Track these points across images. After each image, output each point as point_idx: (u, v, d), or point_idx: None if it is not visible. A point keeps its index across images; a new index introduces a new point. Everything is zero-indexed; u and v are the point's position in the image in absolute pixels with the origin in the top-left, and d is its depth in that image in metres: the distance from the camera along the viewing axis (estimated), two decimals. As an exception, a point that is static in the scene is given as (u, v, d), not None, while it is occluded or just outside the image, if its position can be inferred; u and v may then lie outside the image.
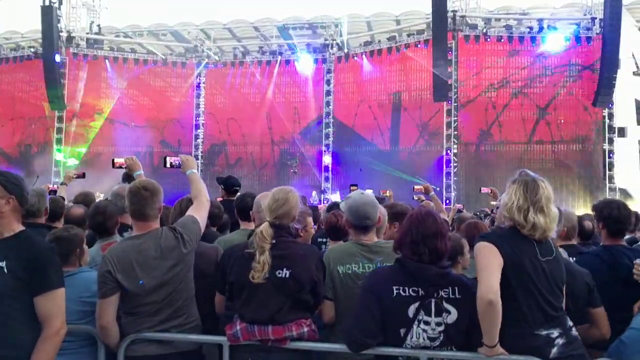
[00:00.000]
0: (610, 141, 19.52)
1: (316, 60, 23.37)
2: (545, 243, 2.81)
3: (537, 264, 2.71)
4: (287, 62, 23.85)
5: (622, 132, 19.61)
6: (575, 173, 19.37)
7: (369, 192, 3.66)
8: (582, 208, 17.02)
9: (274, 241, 3.04)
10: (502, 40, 20.05)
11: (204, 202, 3.58)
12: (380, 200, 4.11)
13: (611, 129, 19.58)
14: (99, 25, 25.00)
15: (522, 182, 2.83)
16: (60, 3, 22.05)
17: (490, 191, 5.90)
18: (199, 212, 3.48)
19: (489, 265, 2.65)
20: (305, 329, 3.03)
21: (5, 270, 2.60)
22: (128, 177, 4.46)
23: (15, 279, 2.61)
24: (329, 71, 23.12)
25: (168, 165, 3.99)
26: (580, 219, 4.54)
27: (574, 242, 4.09)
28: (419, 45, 20.99)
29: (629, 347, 2.66)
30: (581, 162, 19.67)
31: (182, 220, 3.41)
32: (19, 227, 2.79)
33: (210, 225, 4.13)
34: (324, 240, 4.67)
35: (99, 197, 8.61)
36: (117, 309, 3.15)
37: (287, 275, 3.02)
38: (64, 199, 5.71)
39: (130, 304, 3.17)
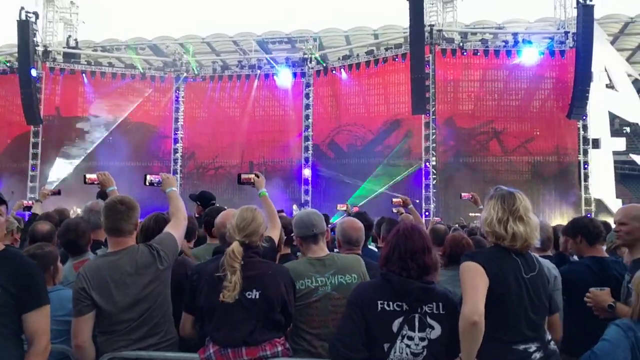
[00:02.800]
0: (585, 152, 19.89)
1: (295, 74, 23.46)
2: (528, 257, 2.84)
3: (521, 283, 2.74)
4: (267, 76, 23.91)
5: (596, 143, 20.01)
6: (551, 184, 19.67)
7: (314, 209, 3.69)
8: (558, 219, 17.25)
9: (242, 262, 3.01)
10: (478, 53, 20.38)
11: (182, 219, 3.54)
12: (359, 214, 4.12)
13: (586, 140, 19.98)
14: (76, 40, 24.84)
15: (499, 196, 2.88)
16: (37, 17, 21.84)
17: (471, 197, 5.92)
18: (176, 230, 3.44)
19: (475, 285, 2.66)
20: (280, 348, 3.01)
21: None
22: (103, 194, 4.39)
23: (6, 296, 2.58)
24: (308, 85, 23.23)
25: (148, 183, 3.97)
26: (555, 229, 4.61)
27: (550, 253, 4.15)
28: (397, 59, 21.21)
29: (600, 358, 2.70)
30: (557, 173, 19.99)
31: (159, 237, 3.35)
32: (2, 244, 2.76)
33: (186, 241, 4.09)
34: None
35: (77, 212, 8.48)
36: (92, 328, 3.08)
37: (257, 297, 2.98)
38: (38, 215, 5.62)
39: (105, 322, 3.09)
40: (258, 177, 4.16)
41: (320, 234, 3.38)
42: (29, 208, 6.71)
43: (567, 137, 20.18)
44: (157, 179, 3.93)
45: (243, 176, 4.26)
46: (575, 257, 4.08)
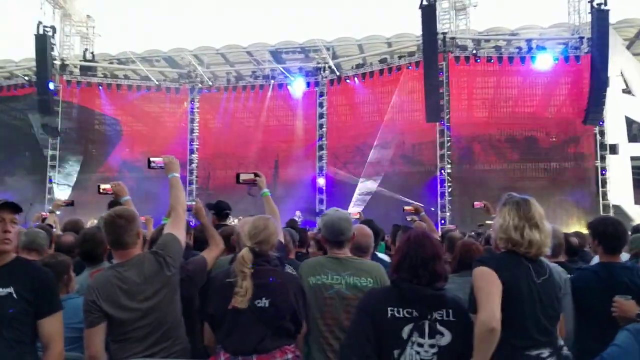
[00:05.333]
0: (603, 158, 19.65)
1: (308, 84, 23.55)
2: (539, 262, 2.83)
3: (533, 287, 2.73)
4: (280, 86, 24.02)
5: (614, 149, 19.76)
6: (568, 191, 19.45)
7: (344, 211, 3.66)
8: (576, 225, 17.05)
9: (252, 269, 3.03)
10: (492, 60, 20.26)
11: (181, 213, 3.52)
12: (367, 222, 4.12)
13: (603, 146, 19.73)
14: (92, 53, 25.19)
15: (514, 203, 2.89)
16: (54, 31, 22.19)
17: (483, 205, 5.89)
18: (177, 227, 3.42)
19: (490, 291, 2.66)
20: (290, 356, 3.02)
21: (15, 295, 2.67)
22: (114, 204, 4.42)
23: (24, 303, 2.68)
24: (321, 94, 23.29)
25: (151, 166, 3.95)
26: (567, 235, 4.57)
27: (562, 259, 4.10)
28: (410, 67, 21.20)
29: None
30: (574, 179, 19.76)
31: (162, 240, 3.35)
32: (14, 254, 2.86)
33: (199, 250, 4.10)
34: None
35: (93, 223, 8.58)
36: (105, 337, 3.11)
37: (267, 305, 3.01)
38: (52, 226, 5.69)
39: (117, 331, 3.12)
40: (259, 176, 4.15)
41: (346, 241, 3.42)
42: (44, 219, 6.81)
43: (583, 143, 19.97)
44: (159, 164, 3.88)
45: (242, 176, 4.21)
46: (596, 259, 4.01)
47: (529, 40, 20.81)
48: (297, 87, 23.61)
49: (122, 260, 3.20)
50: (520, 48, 20.75)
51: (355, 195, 21.01)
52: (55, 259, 3.45)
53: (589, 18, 19.12)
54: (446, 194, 19.87)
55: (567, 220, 18.39)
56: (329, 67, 23.26)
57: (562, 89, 20.50)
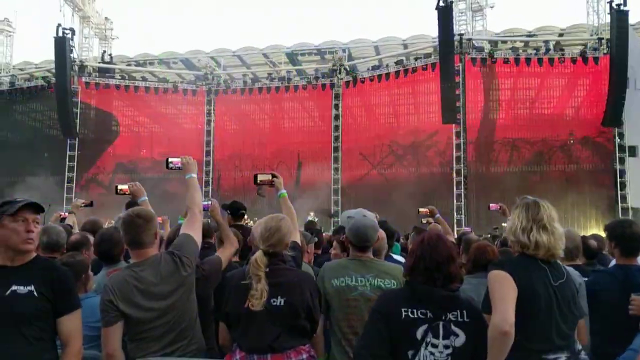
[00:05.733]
0: (622, 160, 19.41)
1: (324, 85, 23.57)
2: (555, 265, 2.81)
3: (550, 291, 2.71)
4: (296, 87, 24.07)
5: (632, 151, 19.51)
6: (587, 193, 19.24)
7: (371, 214, 3.65)
8: (594, 228, 16.85)
9: (267, 269, 3.05)
10: (509, 62, 20.13)
11: (197, 214, 3.55)
12: (381, 223, 4.11)
13: (622, 148, 19.49)
14: (110, 55, 25.49)
15: (524, 205, 2.89)
16: (73, 34, 22.48)
17: (499, 207, 5.84)
18: (193, 228, 3.45)
19: (504, 295, 2.65)
20: (304, 356, 3.03)
21: (35, 293, 2.71)
22: (131, 204, 4.46)
23: (44, 301, 2.72)
24: (337, 96, 23.29)
25: (169, 167, 3.97)
26: (585, 238, 4.52)
27: (579, 262, 4.06)
28: (426, 69, 21.13)
29: None
30: (592, 181, 19.55)
31: (178, 241, 3.38)
32: (34, 253, 2.89)
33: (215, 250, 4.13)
34: None
35: (110, 224, 8.65)
36: (122, 336, 3.15)
37: (282, 303, 3.02)
38: (71, 227, 5.76)
39: (134, 330, 3.16)
40: (277, 177, 4.17)
41: (371, 246, 3.44)
42: (64, 220, 6.89)
43: (602, 145, 19.76)
44: (177, 164, 3.91)
45: (260, 177, 4.22)
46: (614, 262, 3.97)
47: (546, 42, 20.67)
48: (313, 88, 23.64)
49: (139, 260, 3.23)
50: (537, 49, 20.61)
51: (370, 196, 20.96)
52: (73, 259, 3.50)
53: (608, 19, 18.93)
54: (462, 195, 19.76)
55: (585, 222, 18.20)
56: (345, 68, 23.27)
57: (580, 90, 20.31)
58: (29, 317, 2.69)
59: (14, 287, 2.71)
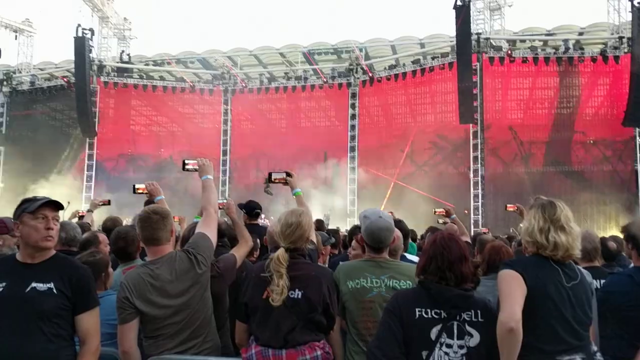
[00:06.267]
0: (642, 160, 19.13)
1: (341, 85, 23.55)
2: (570, 266, 2.78)
3: (562, 291, 2.68)
4: (312, 87, 24.08)
5: (654, 151, 19.21)
6: (607, 194, 18.97)
7: (387, 214, 3.64)
8: (614, 230, 16.62)
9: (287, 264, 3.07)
10: (527, 61, 19.92)
11: (212, 213, 3.60)
12: (396, 222, 4.09)
13: (642, 148, 19.21)
14: (128, 55, 25.73)
15: (539, 205, 2.86)
16: (93, 34, 22.72)
17: (516, 208, 5.79)
18: (208, 227, 3.50)
19: (512, 292, 2.63)
20: (319, 352, 3.03)
21: (55, 290, 2.76)
22: (149, 203, 4.53)
23: (62, 298, 2.77)
24: (353, 95, 23.25)
25: (186, 168, 4.03)
26: (604, 239, 4.46)
27: (597, 263, 4.00)
28: (443, 68, 21.01)
29: None
30: (612, 182, 19.28)
31: (194, 239, 3.42)
32: (54, 250, 2.94)
33: (230, 247, 4.16)
34: None
35: (127, 222, 8.74)
36: (137, 334, 3.18)
37: (300, 296, 3.03)
38: (90, 224, 5.85)
39: (150, 327, 3.19)
40: (291, 176, 4.18)
41: (386, 247, 3.42)
42: (82, 217, 6.98)
43: (622, 145, 19.48)
44: (193, 166, 3.96)
45: (275, 175, 4.25)
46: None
47: (566, 41, 20.42)
48: (330, 88, 23.64)
49: (155, 258, 3.27)
50: (557, 48, 20.36)
51: (387, 195, 20.91)
52: (94, 257, 3.54)
53: (629, 17, 18.64)
54: (479, 196, 19.61)
55: (604, 224, 17.96)
56: (362, 68, 23.23)
57: (600, 89, 20.05)
58: (48, 313, 2.74)
59: (33, 284, 2.75)
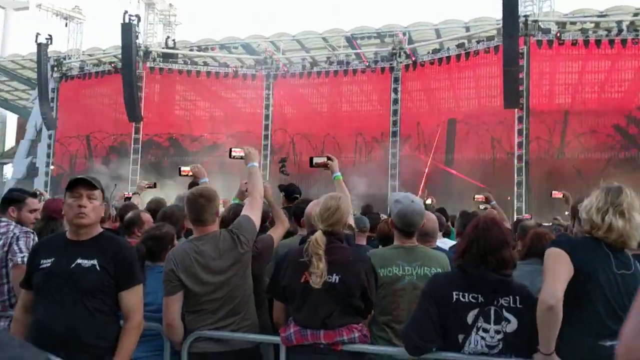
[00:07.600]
0: (699, 148, 18.33)
1: (383, 69, 23.34)
2: (623, 255, 2.71)
3: (611, 277, 2.63)
4: (355, 71, 23.93)
5: None
6: (658, 182, 18.27)
7: (418, 199, 3.62)
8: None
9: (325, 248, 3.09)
10: (577, 44, 19.24)
11: (258, 199, 3.68)
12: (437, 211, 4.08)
13: (699, 135, 18.40)
14: (173, 40, 26.09)
15: (605, 188, 2.82)
16: (139, 20, 23.10)
17: (562, 195, 5.66)
18: (253, 211, 3.59)
19: (556, 271, 2.61)
20: (356, 334, 3.07)
21: (98, 267, 2.88)
22: (193, 185, 4.66)
23: (106, 275, 2.89)
24: (396, 80, 23.00)
25: (232, 156, 4.13)
26: None
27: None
28: (489, 52, 20.53)
29: None
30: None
31: (238, 221, 3.53)
32: (100, 228, 3.07)
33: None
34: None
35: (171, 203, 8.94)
36: (181, 308, 3.29)
37: (337, 281, 3.07)
38: (136, 206, 6.04)
39: (192, 302, 3.32)
40: (332, 160, 4.22)
41: (416, 232, 3.44)
42: (128, 199, 7.20)
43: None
44: (240, 154, 4.06)
45: (315, 160, 4.31)
46: None
47: (619, 22, 19.60)
48: (372, 72, 23.47)
49: (200, 235, 3.39)
50: (609, 30, 19.56)
51: (428, 181, 20.69)
52: (160, 230, 3.70)
53: (688, -3, 17.80)
54: (523, 182, 19.18)
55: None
56: (405, 52, 22.94)
57: (655, 73, 19.22)
58: (91, 289, 2.86)
59: (79, 261, 2.87)
